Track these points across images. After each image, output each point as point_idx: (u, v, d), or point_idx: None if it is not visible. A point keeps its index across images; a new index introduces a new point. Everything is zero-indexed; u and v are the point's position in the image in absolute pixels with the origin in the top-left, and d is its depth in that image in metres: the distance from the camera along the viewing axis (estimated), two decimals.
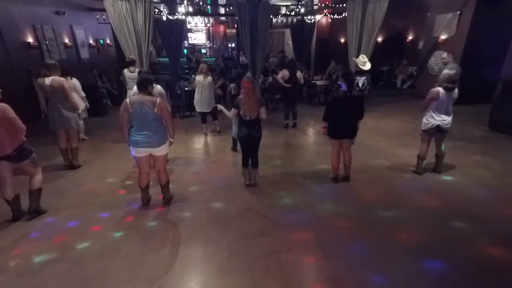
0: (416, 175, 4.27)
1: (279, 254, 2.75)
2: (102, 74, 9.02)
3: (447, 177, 4.23)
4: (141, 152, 3.24)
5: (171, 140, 3.41)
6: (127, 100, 3.08)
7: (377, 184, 4.11)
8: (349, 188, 4.00)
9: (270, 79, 8.53)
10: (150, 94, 3.16)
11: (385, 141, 5.74)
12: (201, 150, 5.67)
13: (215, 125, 6.43)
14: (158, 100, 3.09)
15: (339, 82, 3.85)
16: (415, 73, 10.55)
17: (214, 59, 13.84)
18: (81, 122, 5.36)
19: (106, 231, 3.12)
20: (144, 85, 3.09)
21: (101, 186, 4.13)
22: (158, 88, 4.13)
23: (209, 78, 5.87)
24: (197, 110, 6.11)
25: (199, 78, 5.85)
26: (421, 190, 3.91)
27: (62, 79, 4.26)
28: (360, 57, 7.01)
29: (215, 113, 6.27)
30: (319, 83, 9.26)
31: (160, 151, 3.29)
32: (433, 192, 3.85)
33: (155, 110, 3.06)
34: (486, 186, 3.96)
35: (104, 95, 8.59)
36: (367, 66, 6.74)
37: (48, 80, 4.12)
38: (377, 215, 3.37)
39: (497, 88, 6.24)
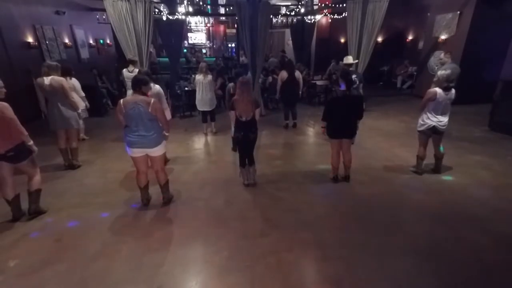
0: (416, 175, 4.27)
1: (279, 254, 2.75)
2: (102, 74, 9.02)
3: (447, 177, 4.23)
4: (137, 153, 3.24)
5: (166, 134, 3.38)
6: (121, 101, 3.09)
7: (377, 184, 4.11)
8: (349, 188, 4.00)
9: (270, 79, 8.53)
10: (144, 94, 3.15)
11: (385, 141, 5.74)
12: (201, 150, 5.67)
13: (211, 126, 6.41)
14: (152, 100, 3.09)
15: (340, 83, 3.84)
16: (415, 73, 10.55)
17: (214, 59, 13.83)
18: (81, 122, 5.35)
19: (106, 231, 3.12)
20: (137, 86, 3.10)
21: (101, 186, 4.13)
22: (156, 88, 4.13)
23: (209, 77, 5.88)
24: (198, 109, 6.13)
25: (199, 77, 5.88)
26: (421, 190, 3.91)
27: (62, 78, 4.26)
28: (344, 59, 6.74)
29: (214, 114, 6.27)
30: (319, 83, 9.26)
31: (156, 151, 3.28)
32: (433, 192, 3.85)
33: (149, 110, 3.05)
34: (486, 186, 3.96)
35: (104, 95, 8.58)
36: (349, 59, 6.45)
37: (47, 80, 4.12)
38: (376, 215, 3.37)
39: (497, 88, 6.24)
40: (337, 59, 10.28)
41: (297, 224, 3.22)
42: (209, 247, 2.87)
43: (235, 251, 2.80)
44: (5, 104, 2.89)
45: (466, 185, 4.00)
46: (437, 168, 4.30)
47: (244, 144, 3.86)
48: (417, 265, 2.61)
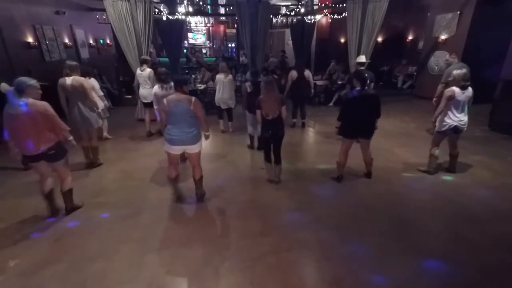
0: (416, 175, 4.27)
1: (279, 254, 2.75)
2: (102, 74, 9.01)
3: (447, 177, 4.22)
4: (177, 150, 3.36)
5: (206, 133, 3.56)
6: (164, 99, 3.23)
7: (377, 184, 4.10)
8: (349, 188, 4.00)
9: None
10: (185, 93, 3.31)
11: (386, 141, 5.74)
12: (202, 150, 5.65)
13: (228, 125, 6.43)
14: (194, 98, 3.26)
15: (355, 87, 3.80)
16: (415, 73, 10.55)
17: (214, 59, 13.84)
18: (105, 121, 5.59)
19: (106, 231, 3.12)
20: (179, 85, 3.29)
21: (101, 186, 4.13)
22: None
23: (230, 77, 6.00)
24: (217, 105, 6.22)
25: (219, 76, 5.99)
26: (421, 190, 3.91)
27: (82, 78, 4.33)
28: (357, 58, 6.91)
29: (231, 113, 6.31)
30: (319, 83, 9.25)
31: (195, 148, 3.41)
32: (433, 192, 3.85)
33: (191, 107, 3.19)
34: (486, 186, 3.96)
35: (104, 95, 8.57)
36: (362, 58, 6.61)
37: (69, 80, 4.19)
38: (377, 215, 3.37)
39: (497, 88, 6.24)
40: (337, 59, 10.29)
41: (297, 224, 3.22)
42: (209, 246, 2.87)
43: (235, 251, 2.80)
44: (45, 102, 2.94)
45: (466, 185, 4.00)
46: (452, 167, 4.29)
47: (272, 141, 3.95)
48: (417, 265, 2.61)
